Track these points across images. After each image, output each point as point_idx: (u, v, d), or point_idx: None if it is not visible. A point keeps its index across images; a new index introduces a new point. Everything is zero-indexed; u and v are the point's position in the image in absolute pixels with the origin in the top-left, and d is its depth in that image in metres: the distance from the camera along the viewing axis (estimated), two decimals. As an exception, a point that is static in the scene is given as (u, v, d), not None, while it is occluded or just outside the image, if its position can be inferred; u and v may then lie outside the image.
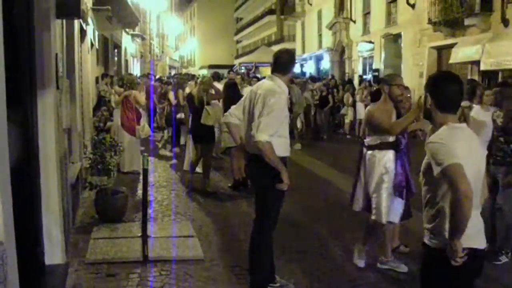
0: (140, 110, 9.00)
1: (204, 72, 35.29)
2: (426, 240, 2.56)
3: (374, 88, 14.49)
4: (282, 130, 3.85)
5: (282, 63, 3.96)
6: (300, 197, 7.20)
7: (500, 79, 11.70)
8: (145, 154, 4.90)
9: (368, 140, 4.54)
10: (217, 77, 10.60)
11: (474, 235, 2.43)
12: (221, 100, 8.05)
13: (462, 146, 2.41)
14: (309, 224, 6.07)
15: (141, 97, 8.94)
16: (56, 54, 4.31)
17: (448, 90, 2.55)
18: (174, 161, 10.18)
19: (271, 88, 3.83)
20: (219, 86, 8.97)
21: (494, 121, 4.97)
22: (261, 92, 3.82)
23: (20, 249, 2.66)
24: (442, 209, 2.45)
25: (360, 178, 4.60)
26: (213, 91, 7.89)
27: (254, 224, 4.04)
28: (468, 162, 2.38)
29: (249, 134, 3.85)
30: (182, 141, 10.94)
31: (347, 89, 15.20)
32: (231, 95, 7.77)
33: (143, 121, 9.01)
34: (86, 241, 5.08)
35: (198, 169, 8.08)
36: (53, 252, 4.14)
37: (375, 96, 14.46)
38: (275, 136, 3.74)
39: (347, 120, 14.95)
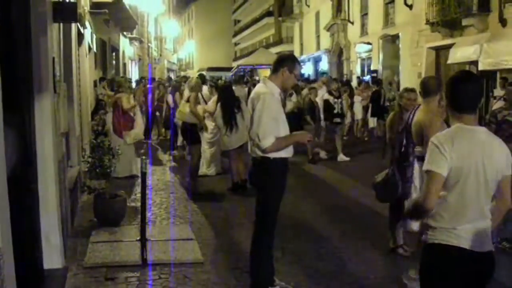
0: (135, 114, 8.84)
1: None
2: None
3: (374, 89, 14.54)
4: (281, 129, 3.88)
5: (273, 63, 4.04)
6: (299, 199, 7.19)
7: (498, 79, 11.71)
8: (143, 157, 4.89)
9: (420, 150, 4.12)
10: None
11: (466, 236, 2.42)
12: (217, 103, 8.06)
13: (459, 149, 2.39)
14: (309, 226, 6.06)
15: (127, 102, 8.53)
16: (53, 58, 4.31)
17: (460, 89, 2.50)
18: (172, 164, 10.18)
19: (257, 91, 3.95)
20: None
21: (505, 121, 4.96)
22: (252, 97, 3.97)
23: (19, 254, 2.65)
24: None
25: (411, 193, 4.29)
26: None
27: (255, 226, 4.05)
28: (463, 165, 2.39)
29: (250, 140, 3.94)
30: (179, 143, 10.99)
31: (344, 90, 15.16)
32: (226, 97, 7.79)
33: (138, 125, 8.82)
34: (85, 245, 5.06)
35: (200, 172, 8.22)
36: (52, 257, 4.13)
37: (375, 97, 14.35)
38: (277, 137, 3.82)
39: (345, 122, 14.89)
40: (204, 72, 36.73)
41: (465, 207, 2.43)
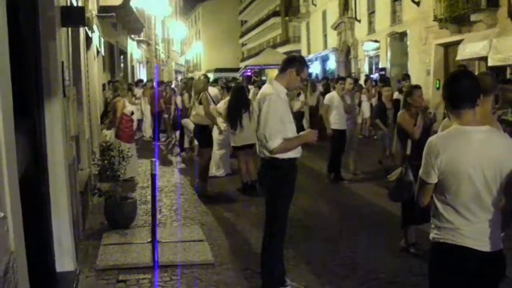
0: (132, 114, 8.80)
1: (210, 76, 35.29)
2: None
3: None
4: (288, 130, 3.87)
5: (282, 63, 4.04)
6: (309, 199, 7.17)
7: (508, 75, 11.60)
8: (152, 159, 4.91)
9: None
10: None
11: (471, 236, 2.42)
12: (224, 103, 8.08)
13: (452, 152, 2.40)
14: (319, 226, 6.04)
15: (122, 107, 8.31)
16: (62, 63, 4.34)
17: (456, 85, 2.51)
18: (181, 165, 10.21)
19: (263, 92, 3.96)
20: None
21: (500, 120, 4.91)
22: (258, 98, 3.97)
23: (31, 257, 2.67)
24: (434, 203, 2.54)
25: None
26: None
27: (265, 227, 4.05)
28: (458, 168, 2.39)
29: (258, 140, 3.94)
30: (186, 144, 11.02)
31: (354, 88, 15.04)
32: (238, 99, 7.78)
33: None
34: (96, 248, 5.10)
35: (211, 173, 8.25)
36: (64, 259, 4.15)
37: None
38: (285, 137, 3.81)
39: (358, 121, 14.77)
40: (211, 73, 36.93)
41: (465, 207, 2.42)
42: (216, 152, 8.76)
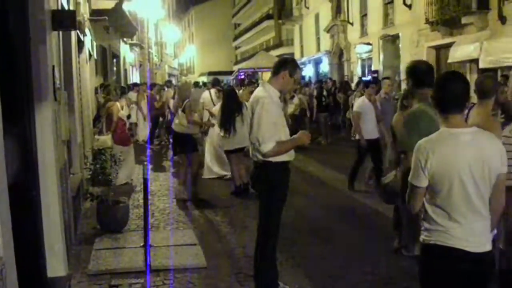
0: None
1: (204, 79, 35.32)
2: None
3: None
4: (282, 133, 3.87)
5: (274, 66, 4.03)
6: (302, 202, 7.18)
7: (499, 77, 11.69)
8: (144, 163, 4.89)
9: None
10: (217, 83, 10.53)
11: (461, 237, 2.43)
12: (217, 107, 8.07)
13: (441, 156, 2.41)
14: (312, 227, 6.04)
15: (117, 111, 8.30)
16: (53, 66, 4.31)
17: (446, 90, 2.50)
18: (174, 169, 10.18)
19: (256, 95, 3.96)
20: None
21: None
22: (251, 101, 3.98)
23: (22, 263, 2.65)
24: (423, 206, 2.55)
25: None
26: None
27: (258, 230, 4.04)
28: (447, 171, 2.40)
29: (251, 144, 3.94)
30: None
31: (351, 92, 15.01)
32: (230, 102, 7.76)
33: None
34: (88, 252, 5.06)
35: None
36: (55, 265, 4.12)
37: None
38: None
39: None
40: (205, 77, 36.87)
41: (456, 210, 2.44)
42: (209, 154, 8.74)
